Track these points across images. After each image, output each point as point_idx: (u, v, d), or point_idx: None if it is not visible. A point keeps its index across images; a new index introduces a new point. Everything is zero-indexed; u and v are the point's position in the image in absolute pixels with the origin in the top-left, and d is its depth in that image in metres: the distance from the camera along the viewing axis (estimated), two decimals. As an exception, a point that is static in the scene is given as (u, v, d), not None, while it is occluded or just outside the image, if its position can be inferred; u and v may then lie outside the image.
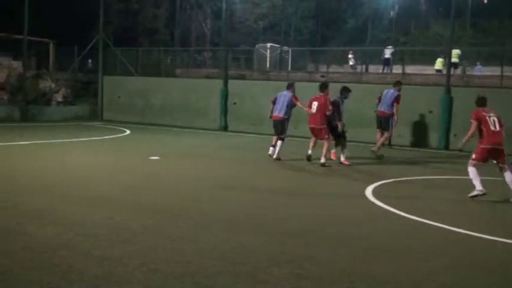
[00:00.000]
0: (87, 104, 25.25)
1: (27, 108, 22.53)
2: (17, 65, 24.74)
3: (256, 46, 28.62)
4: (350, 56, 27.13)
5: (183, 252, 5.29)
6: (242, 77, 23.90)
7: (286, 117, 12.37)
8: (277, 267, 4.96)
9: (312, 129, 12.08)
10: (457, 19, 19.84)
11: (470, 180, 8.56)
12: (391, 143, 16.49)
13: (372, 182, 9.74)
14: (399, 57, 26.08)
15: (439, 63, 24.96)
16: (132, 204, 7.47)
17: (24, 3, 22.83)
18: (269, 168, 11.70)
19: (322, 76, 22.91)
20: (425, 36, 38.33)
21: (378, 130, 14.04)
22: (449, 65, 18.60)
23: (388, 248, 5.80)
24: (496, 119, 8.66)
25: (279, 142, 12.36)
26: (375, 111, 14.43)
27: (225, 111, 21.72)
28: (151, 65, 26.53)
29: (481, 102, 8.95)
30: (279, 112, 12.37)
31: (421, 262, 5.35)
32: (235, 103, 21.70)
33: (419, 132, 17.62)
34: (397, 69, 24.82)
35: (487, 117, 8.61)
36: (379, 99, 14.06)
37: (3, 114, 21.54)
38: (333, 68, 25.52)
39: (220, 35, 30.22)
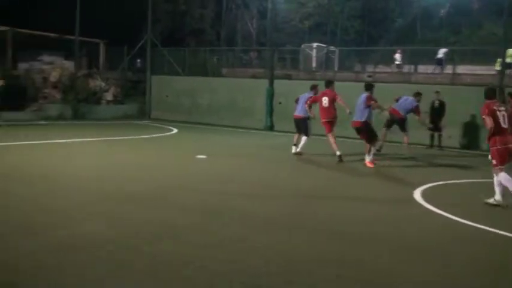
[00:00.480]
0: (135, 103, 25.75)
1: (78, 107, 23.15)
2: (68, 64, 25.44)
3: (302, 46, 28.50)
4: (397, 55, 26.66)
5: (229, 251, 5.30)
6: (288, 77, 23.84)
7: (306, 116, 12.97)
8: (323, 269, 4.91)
9: (327, 123, 12.39)
10: (511, 18, 19.14)
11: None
12: (442, 145, 16.17)
13: (420, 184, 9.53)
14: (450, 57, 25.45)
15: (498, 64, 24.22)
16: (179, 202, 7.54)
17: (76, 4, 23.47)
18: (313, 169, 11.63)
19: (369, 76, 22.60)
20: (477, 35, 37.25)
21: (385, 128, 14.37)
22: (504, 65, 18.07)
23: (431, 250, 5.67)
24: (506, 113, 7.89)
25: (304, 137, 13.09)
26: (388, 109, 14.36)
27: (270, 111, 21.73)
28: (198, 64, 26.80)
29: (492, 93, 8.21)
30: (299, 112, 13.19)
31: (466, 266, 5.21)
32: (280, 103, 21.66)
33: (470, 134, 17.15)
34: (448, 69, 24.24)
35: (497, 112, 7.82)
36: (397, 100, 14.37)
37: (56, 112, 22.20)
38: (380, 68, 25.15)
39: (266, 34, 30.23)
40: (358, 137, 12.29)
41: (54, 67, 24.70)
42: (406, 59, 26.12)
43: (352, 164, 11.95)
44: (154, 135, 17.17)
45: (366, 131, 11.74)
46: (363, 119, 11.67)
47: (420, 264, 5.21)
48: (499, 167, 7.82)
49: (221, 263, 4.92)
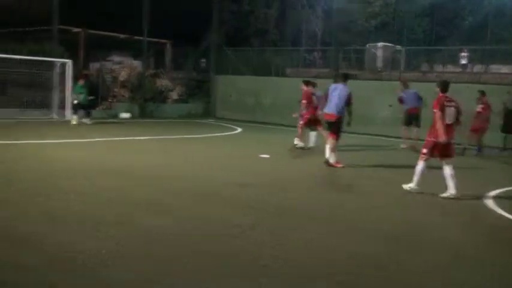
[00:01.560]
0: (200, 102, 26.18)
1: (145, 106, 23.80)
2: (137, 64, 26.20)
3: (368, 45, 28.04)
4: (463, 54, 25.73)
5: (290, 251, 5.29)
6: (353, 77, 23.51)
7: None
8: (382, 271, 4.82)
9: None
10: None
11: None
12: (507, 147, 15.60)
13: (490, 188, 9.18)
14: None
15: None
16: (241, 200, 7.60)
17: (143, 6, 24.13)
18: (375, 170, 11.43)
19: (437, 76, 21.96)
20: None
21: (406, 126, 15.23)
22: None
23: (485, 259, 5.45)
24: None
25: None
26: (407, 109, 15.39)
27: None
28: (262, 64, 26.91)
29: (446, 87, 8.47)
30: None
31: None
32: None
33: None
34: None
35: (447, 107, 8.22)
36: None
37: (124, 110, 22.91)
38: (449, 68, 24.39)
39: (331, 34, 29.94)
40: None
41: (124, 67, 25.50)
42: (477, 59, 25.19)
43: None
44: (218, 134, 17.40)
45: (338, 127, 11.34)
46: (340, 114, 11.26)
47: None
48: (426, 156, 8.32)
49: (282, 262, 4.91)
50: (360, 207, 7.65)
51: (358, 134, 19.99)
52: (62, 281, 4.19)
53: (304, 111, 13.52)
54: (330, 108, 11.24)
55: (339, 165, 11.03)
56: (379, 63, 26.44)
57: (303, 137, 13.79)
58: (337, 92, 11.30)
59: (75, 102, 18.33)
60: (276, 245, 5.39)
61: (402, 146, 15.44)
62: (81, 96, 18.29)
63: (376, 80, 22.70)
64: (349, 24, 34.88)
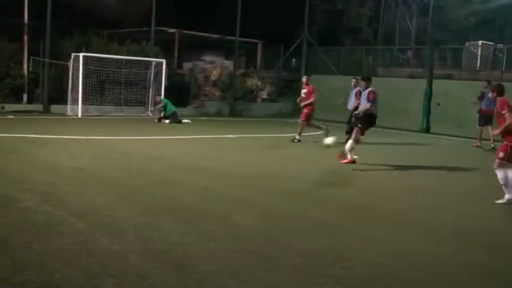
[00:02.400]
0: (290, 101, 26.18)
1: (235, 104, 24.18)
2: (228, 64, 26.68)
3: (466, 44, 26.77)
4: None
5: (375, 253, 5.12)
6: (449, 77, 22.57)
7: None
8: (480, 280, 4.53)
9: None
10: None
11: None
12: None
13: None
14: None
15: None
16: (327, 200, 7.48)
17: (237, 6, 24.52)
18: (462, 173, 10.86)
19: (543, 76, 20.54)
20: None
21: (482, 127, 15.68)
22: None
23: None
24: None
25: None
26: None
27: (427, 112, 20.77)
28: (353, 64, 26.48)
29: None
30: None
31: None
32: (439, 104, 20.61)
33: None
34: None
35: None
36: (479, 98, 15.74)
37: (215, 109, 23.43)
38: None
39: (427, 32, 28.91)
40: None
41: (215, 66, 26.07)
42: None
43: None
44: (305, 134, 17.23)
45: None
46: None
47: None
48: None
49: (367, 265, 4.76)
50: (464, 212, 7.31)
51: (452, 136, 19.18)
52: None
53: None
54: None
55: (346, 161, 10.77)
56: (478, 63, 25.18)
57: None
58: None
59: (162, 115, 18.73)
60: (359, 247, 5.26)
61: (474, 144, 15.95)
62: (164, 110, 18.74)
63: (474, 80, 21.59)
64: (447, 21, 33.50)
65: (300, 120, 14.92)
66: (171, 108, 18.67)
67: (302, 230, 5.83)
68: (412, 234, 5.95)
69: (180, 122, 18.29)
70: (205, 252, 4.86)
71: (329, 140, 12.00)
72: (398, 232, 6.01)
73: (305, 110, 14.76)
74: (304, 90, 15.28)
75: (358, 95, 12.61)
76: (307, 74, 25.88)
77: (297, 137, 14.61)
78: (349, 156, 10.89)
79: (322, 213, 6.65)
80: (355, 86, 14.36)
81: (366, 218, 6.59)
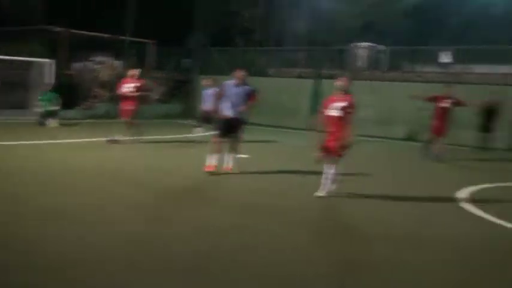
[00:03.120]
0: (180, 103, 26.00)
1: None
2: (118, 64, 25.98)
3: (351, 45, 28.03)
4: (443, 54, 25.72)
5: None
6: (334, 77, 23.50)
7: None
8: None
9: None
10: None
11: None
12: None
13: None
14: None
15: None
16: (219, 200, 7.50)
17: (127, 5, 23.97)
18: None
19: (418, 76, 22.03)
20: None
21: None
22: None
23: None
24: None
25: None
26: None
27: (316, 111, 21.52)
28: (246, 64, 26.78)
29: None
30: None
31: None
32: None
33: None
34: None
35: None
36: None
37: (103, 111, 22.73)
38: (430, 68, 24.48)
39: (316, 34, 29.92)
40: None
41: (104, 66, 25.29)
42: (460, 59, 25.18)
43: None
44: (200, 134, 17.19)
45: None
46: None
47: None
48: None
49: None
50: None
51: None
52: None
53: None
54: None
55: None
56: (362, 63, 26.48)
57: None
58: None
59: (42, 110, 17.77)
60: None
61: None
62: (46, 104, 17.83)
63: (357, 80, 22.67)
64: (333, 23, 34.85)
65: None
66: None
67: (189, 233, 5.79)
68: (298, 228, 6.07)
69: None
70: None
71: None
72: (283, 225, 6.10)
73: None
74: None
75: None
76: (200, 74, 25.97)
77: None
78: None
79: (211, 214, 6.65)
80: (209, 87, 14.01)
81: (255, 216, 6.65)
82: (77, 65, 25.62)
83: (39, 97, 17.94)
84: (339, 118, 7.95)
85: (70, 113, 21.34)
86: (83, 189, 7.84)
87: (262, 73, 26.24)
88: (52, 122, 17.69)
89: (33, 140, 13.50)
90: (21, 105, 19.95)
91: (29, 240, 5.19)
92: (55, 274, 4.31)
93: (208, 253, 5.08)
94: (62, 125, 17.68)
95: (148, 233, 5.68)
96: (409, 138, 19.42)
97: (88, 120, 20.59)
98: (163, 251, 5.08)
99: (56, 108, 18.04)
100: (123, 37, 24.92)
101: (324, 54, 25.53)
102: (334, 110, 8.00)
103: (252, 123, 21.95)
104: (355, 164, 12.05)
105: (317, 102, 21.59)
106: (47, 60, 20.44)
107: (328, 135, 8.01)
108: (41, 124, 17.46)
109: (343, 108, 7.95)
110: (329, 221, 7.03)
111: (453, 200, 8.27)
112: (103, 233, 5.57)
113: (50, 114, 17.93)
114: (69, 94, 22.23)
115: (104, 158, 11.40)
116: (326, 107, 8.21)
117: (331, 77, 23.33)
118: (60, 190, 7.77)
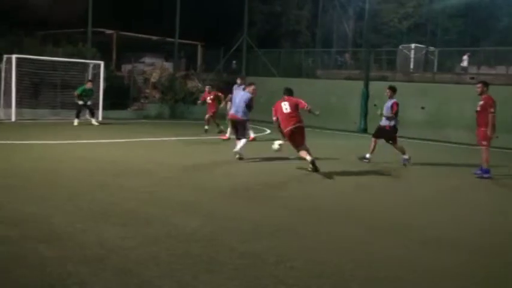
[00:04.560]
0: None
1: (176, 107, 23.97)
2: (168, 65, 26.42)
3: (400, 47, 27.70)
4: (464, 57, 25.11)
5: (319, 251, 5.20)
6: (384, 78, 23.26)
7: (245, 118, 11.96)
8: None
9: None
10: None
11: None
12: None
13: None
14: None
15: None
16: (270, 201, 7.53)
17: (176, 8, 24.32)
18: (411, 175, 11.21)
19: (472, 78, 21.54)
20: None
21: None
22: None
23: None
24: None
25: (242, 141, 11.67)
26: None
27: (365, 113, 21.31)
28: (293, 66, 26.83)
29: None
30: (236, 112, 11.99)
31: None
32: (375, 105, 21.16)
33: None
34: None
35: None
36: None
37: (155, 111, 23.14)
38: (484, 70, 23.89)
39: (363, 35, 29.69)
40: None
41: (155, 68, 25.75)
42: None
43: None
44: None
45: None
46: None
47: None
48: None
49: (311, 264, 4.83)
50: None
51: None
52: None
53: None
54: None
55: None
56: (412, 65, 26.12)
57: None
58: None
59: (81, 103, 17.81)
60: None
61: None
62: (86, 99, 17.89)
63: (408, 81, 22.38)
64: (381, 25, 34.53)
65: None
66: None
67: (244, 231, 5.83)
68: (358, 232, 6.07)
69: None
70: (147, 256, 4.78)
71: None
72: (343, 230, 6.11)
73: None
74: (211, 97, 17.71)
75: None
76: (248, 75, 26.10)
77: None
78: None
79: (263, 214, 6.69)
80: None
81: (308, 217, 6.67)
82: (127, 67, 26.20)
83: (77, 90, 17.91)
84: None
85: (121, 113, 21.83)
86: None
87: (309, 75, 26.22)
88: (76, 122, 17.71)
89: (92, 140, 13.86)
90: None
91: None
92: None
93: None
94: (104, 124, 18.01)
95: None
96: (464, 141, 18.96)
97: (142, 121, 20.98)
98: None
99: (89, 104, 18.06)
100: (172, 39, 25.33)
101: (372, 56, 25.28)
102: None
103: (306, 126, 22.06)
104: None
105: (366, 104, 21.42)
106: (97, 62, 20.93)
107: None
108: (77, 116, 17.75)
109: None
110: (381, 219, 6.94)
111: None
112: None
113: (88, 108, 18.09)
114: (120, 95, 22.78)
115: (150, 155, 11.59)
116: None
117: (381, 78, 23.16)
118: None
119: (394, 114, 12.02)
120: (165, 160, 10.99)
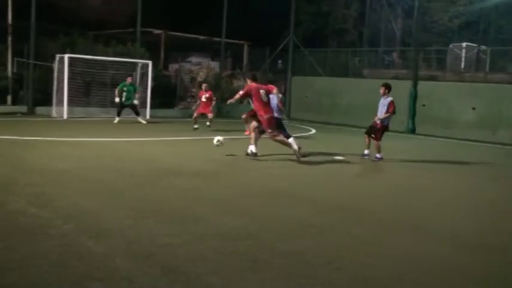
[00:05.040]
0: (275, 103, 26.19)
1: (222, 106, 24.12)
2: (214, 65, 26.64)
3: (450, 45, 27.02)
4: None
5: (367, 254, 5.13)
6: (433, 78, 22.76)
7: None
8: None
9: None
10: None
11: None
12: None
13: None
14: None
15: None
16: (317, 201, 7.48)
17: (222, 9, 24.51)
18: (451, 173, 10.94)
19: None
20: None
21: None
22: None
23: None
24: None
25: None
26: None
27: (413, 113, 20.91)
28: (339, 65, 26.60)
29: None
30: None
31: None
32: (424, 105, 20.75)
33: None
34: None
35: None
36: None
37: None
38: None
39: (411, 34, 29.12)
40: None
41: (202, 67, 26.01)
42: None
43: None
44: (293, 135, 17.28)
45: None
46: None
47: None
48: None
49: (359, 265, 4.77)
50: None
51: (438, 137, 19.36)
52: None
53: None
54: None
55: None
56: (463, 64, 25.45)
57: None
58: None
59: (117, 100, 17.96)
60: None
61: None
62: (126, 95, 17.88)
63: (458, 81, 21.81)
64: (431, 24, 33.80)
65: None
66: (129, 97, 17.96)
67: (289, 231, 5.81)
68: (406, 235, 5.96)
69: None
70: (194, 254, 4.82)
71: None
72: (390, 233, 6.02)
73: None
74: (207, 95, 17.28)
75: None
76: (294, 75, 26.10)
77: None
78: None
79: (310, 214, 6.65)
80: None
81: (354, 218, 6.60)
82: (174, 66, 26.58)
83: (119, 86, 17.98)
84: None
85: (168, 112, 22.16)
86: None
87: (356, 74, 25.94)
88: (117, 120, 17.82)
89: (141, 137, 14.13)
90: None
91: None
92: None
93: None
94: (152, 122, 18.30)
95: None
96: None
97: (188, 119, 21.19)
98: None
99: (135, 102, 18.19)
100: (219, 39, 25.53)
101: (421, 55, 24.77)
102: None
103: (345, 125, 21.89)
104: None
105: (414, 104, 21.02)
106: (147, 61, 21.31)
107: None
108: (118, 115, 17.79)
109: None
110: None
111: None
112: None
113: (130, 106, 18.15)
114: (167, 94, 23.13)
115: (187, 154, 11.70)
116: None
117: (431, 78, 22.67)
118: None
119: (391, 113, 11.94)
120: (211, 158, 11.08)
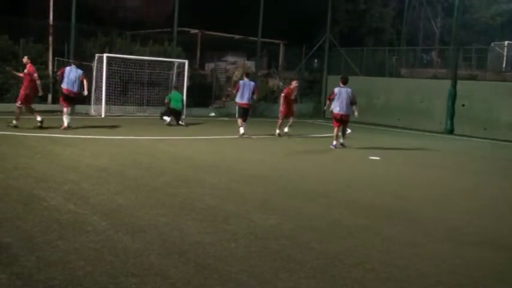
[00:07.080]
0: (311, 102, 26.09)
1: (257, 105, 24.13)
2: (250, 64, 26.67)
3: (492, 44, 26.38)
4: None
5: (400, 256, 5.05)
6: (473, 78, 22.26)
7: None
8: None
9: None
10: None
11: None
12: None
13: None
14: None
15: None
16: (350, 202, 7.41)
17: (259, 8, 24.51)
18: (491, 175, 10.66)
19: None
20: None
21: None
22: None
23: None
24: None
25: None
26: None
27: (451, 114, 20.50)
28: (376, 64, 26.29)
29: None
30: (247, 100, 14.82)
31: None
32: (463, 105, 20.32)
33: None
34: None
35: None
36: None
37: (234, 109, 23.40)
38: None
39: (451, 32, 28.57)
40: None
41: (237, 67, 26.08)
42: None
43: None
44: (326, 135, 17.17)
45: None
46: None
47: None
48: None
49: (392, 268, 4.70)
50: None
51: (478, 138, 18.92)
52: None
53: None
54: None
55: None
56: (504, 64, 24.81)
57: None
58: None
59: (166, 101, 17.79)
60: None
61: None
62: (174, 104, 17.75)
63: (499, 81, 21.27)
64: (472, 22, 33.04)
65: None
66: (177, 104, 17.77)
67: (323, 231, 5.78)
68: (440, 237, 5.85)
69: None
70: (226, 252, 4.85)
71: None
72: (425, 234, 5.91)
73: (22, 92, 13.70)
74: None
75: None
76: (330, 74, 25.92)
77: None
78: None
79: (344, 214, 6.59)
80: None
81: (389, 220, 6.51)
82: (210, 65, 26.73)
83: (167, 96, 18.02)
84: None
85: (203, 111, 22.30)
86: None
87: (393, 73, 25.60)
88: (167, 120, 17.68)
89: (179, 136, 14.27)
90: (162, 103, 21.13)
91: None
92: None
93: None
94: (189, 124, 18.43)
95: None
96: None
97: (224, 118, 21.33)
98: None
99: (180, 108, 18.16)
100: (254, 38, 25.55)
101: (461, 54, 24.25)
102: None
103: (381, 125, 21.61)
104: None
105: (453, 104, 20.60)
106: (183, 60, 21.49)
107: None
108: (163, 120, 17.77)
109: None
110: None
111: None
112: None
113: (174, 113, 18.12)
114: (203, 93, 23.28)
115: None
116: None
117: (470, 77, 22.17)
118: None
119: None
120: (243, 157, 11.11)
